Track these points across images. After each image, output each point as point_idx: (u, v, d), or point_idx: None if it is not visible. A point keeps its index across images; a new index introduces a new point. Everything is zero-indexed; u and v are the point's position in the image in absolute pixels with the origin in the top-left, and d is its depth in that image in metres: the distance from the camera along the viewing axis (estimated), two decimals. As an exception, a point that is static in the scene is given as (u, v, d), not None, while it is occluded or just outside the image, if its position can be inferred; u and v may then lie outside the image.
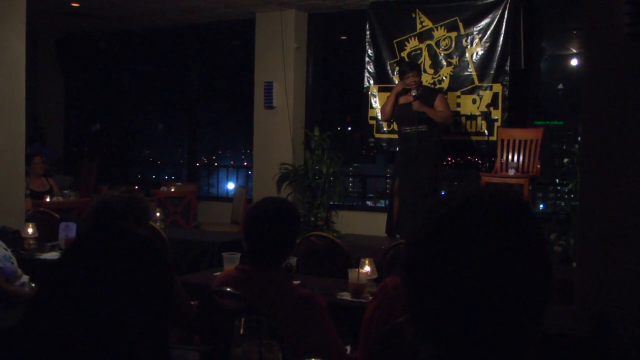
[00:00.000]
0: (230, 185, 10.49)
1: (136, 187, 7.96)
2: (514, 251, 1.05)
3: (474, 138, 7.56)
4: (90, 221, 3.07)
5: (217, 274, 3.22)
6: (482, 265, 1.03)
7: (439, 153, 6.89)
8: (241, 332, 1.98)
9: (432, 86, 7.60)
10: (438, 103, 6.78)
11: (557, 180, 7.98)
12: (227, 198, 9.79)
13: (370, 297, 2.94)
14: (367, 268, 3.72)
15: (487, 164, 7.81)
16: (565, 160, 6.82)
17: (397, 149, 7.22)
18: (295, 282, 3.51)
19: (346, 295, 3.59)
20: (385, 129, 8.03)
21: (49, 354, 1.21)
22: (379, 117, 7.91)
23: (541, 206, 8.62)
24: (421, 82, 6.96)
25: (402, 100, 6.87)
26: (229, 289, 2.64)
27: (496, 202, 1.09)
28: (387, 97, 7.15)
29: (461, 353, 1.06)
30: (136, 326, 1.24)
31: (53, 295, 1.26)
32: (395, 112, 6.97)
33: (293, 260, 3.70)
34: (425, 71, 7.72)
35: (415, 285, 1.11)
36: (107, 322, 1.21)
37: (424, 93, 6.84)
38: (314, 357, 2.17)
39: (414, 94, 6.69)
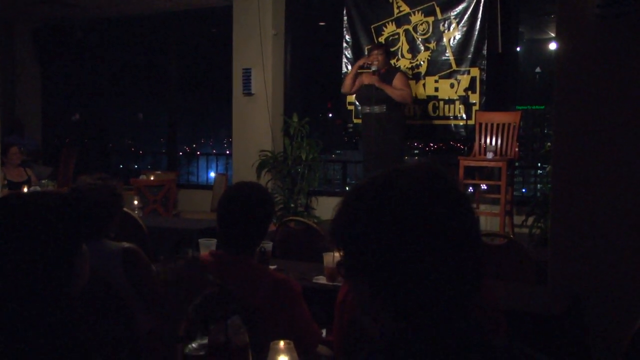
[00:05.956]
0: (212, 174, 10.47)
1: (116, 175, 7.91)
2: (439, 220, 1.07)
3: (452, 122, 7.58)
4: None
5: (192, 260, 3.21)
6: (409, 234, 1.05)
7: (401, 137, 6.89)
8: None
9: (411, 71, 7.61)
10: (397, 82, 6.79)
11: (539, 164, 8.02)
12: (207, 186, 9.76)
13: (345, 280, 2.94)
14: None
15: (466, 149, 7.83)
16: (548, 144, 6.83)
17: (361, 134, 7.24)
18: (272, 267, 3.53)
19: (322, 279, 3.60)
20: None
21: None
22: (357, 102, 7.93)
23: (523, 190, 8.66)
24: (388, 63, 7.02)
25: (367, 80, 6.90)
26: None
27: (417, 174, 1.11)
28: (350, 70, 7.24)
29: (401, 325, 1.09)
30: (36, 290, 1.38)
31: None
32: (358, 93, 7.04)
33: (268, 245, 3.70)
34: (403, 56, 7.73)
35: (350, 263, 1.12)
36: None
37: (387, 73, 6.89)
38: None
39: (373, 68, 6.78)
